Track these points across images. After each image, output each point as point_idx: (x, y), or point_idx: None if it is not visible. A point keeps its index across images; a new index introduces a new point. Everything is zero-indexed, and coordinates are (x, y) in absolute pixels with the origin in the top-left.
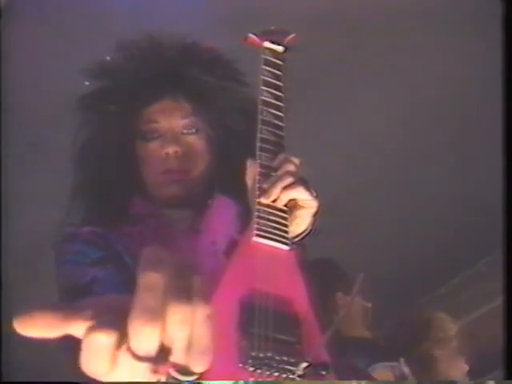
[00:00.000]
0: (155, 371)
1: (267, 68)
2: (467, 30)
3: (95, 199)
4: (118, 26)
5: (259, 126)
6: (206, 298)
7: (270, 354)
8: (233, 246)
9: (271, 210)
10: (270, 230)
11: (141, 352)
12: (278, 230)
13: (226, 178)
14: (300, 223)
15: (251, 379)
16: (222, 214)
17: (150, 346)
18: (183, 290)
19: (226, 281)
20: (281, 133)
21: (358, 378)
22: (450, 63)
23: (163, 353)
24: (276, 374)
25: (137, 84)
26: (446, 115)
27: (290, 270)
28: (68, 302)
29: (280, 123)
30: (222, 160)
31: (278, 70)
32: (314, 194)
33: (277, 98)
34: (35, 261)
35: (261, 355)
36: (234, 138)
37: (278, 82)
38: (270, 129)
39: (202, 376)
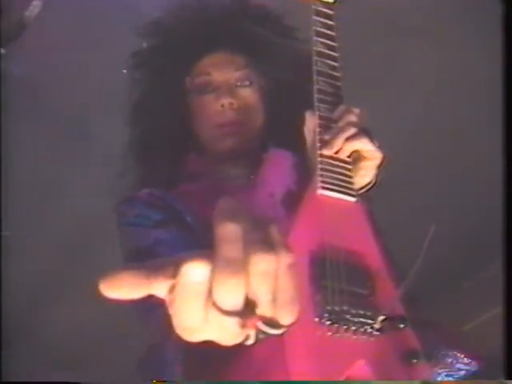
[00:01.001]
0: (244, 325)
1: (318, 18)
2: (467, 30)
3: (150, 157)
4: None
5: (315, 77)
6: (287, 247)
7: (345, 308)
8: (291, 197)
9: (335, 162)
10: (335, 182)
11: (228, 306)
12: (344, 182)
13: (280, 130)
14: (364, 175)
15: (329, 333)
16: (277, 165)
17: (236, 299)
18: (262, 240)
19: (294, 235)
20: (338, 83)
21: (433, 331)
22: (449, 63)
23: (249, 306)
24: (353, 327)
25: (188, 39)
26: (445, 115)
27: (359, 223)
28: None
29: (336, 74)
30: (276, 113)
31: (329, 20)
32: (377, 145)
33: (330, 48)
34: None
35: (336, 309)
36: (287, 90)
37: (330, 32)
38: (326, 80)
39: (289, 327)
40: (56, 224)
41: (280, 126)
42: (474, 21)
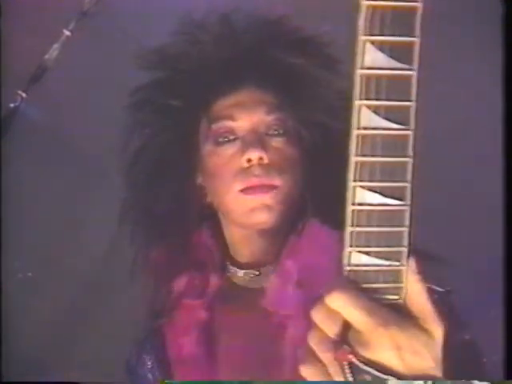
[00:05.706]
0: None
1: None
2: (467, 30)
3: (151, 225)
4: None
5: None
6: None
7: None
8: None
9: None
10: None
11: None
12: (386, 283)
13: (322, 196)
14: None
15: None
16: (312, 244)
17: None
18: None
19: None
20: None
21: None
22: (449, 63)
23: None
24: None
25: (205, 72)
26: (444, 116)
27: None
28: None
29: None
30: (317, 172)
31: None
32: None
33: None
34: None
35: None
36: (332, 140)
37: None
38: None
39: None
40: (70, 264)
41: (321, 191)
42: (474, 21)
